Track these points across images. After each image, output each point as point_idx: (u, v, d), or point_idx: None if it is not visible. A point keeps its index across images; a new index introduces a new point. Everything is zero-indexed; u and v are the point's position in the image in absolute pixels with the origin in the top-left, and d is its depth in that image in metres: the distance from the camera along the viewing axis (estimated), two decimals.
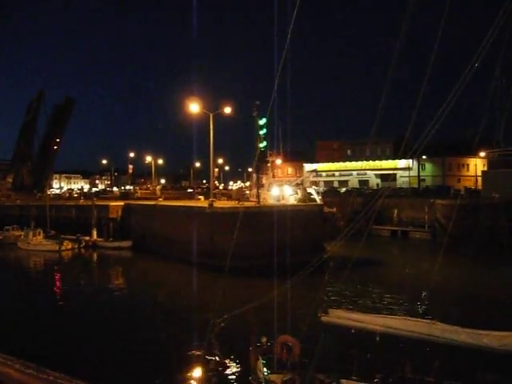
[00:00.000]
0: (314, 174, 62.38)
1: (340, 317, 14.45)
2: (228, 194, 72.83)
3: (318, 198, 52.26)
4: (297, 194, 51.48)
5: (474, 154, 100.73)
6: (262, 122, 51.90)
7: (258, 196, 50.41)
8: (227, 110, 54.53)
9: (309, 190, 53.99)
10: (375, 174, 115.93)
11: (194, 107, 53.64)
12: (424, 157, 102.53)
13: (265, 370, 15.22)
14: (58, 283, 43.94)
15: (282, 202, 49.29)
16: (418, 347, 14.21)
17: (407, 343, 13.35)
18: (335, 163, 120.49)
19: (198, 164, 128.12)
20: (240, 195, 55.22)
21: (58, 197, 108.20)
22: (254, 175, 53.24)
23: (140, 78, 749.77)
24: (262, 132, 52.19)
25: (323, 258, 17.54)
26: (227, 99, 56.78)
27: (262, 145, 52.73)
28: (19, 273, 51.14)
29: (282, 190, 52.34)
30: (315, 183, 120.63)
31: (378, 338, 14.08)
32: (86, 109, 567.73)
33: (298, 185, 54.91)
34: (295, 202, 49.39)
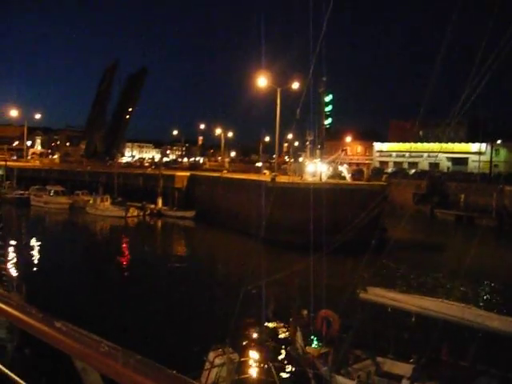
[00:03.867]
0: (345, 153, 63.18)
1: (378, 295, 14.53)
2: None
3: (348, 176, 53.03)
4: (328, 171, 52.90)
5: None
6: (328, 98, 51.55)
7: (319, 173, 50.68)
8: (295, 85, 54.39)
9: (340, 168, 54.29)
10: (446, 157, 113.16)
11: (262, 81, 53.77)
12: (499, 141, 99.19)
13: (303, 341, 15.44)
14: (121, 249, 45.13)
15: (315, 178, 50.26)
16: (452, 330, 14.12)
17: (442, 325, 13.27)
18: (405, 144, 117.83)
19: (267, 138, 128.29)
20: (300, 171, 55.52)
21: (129, 165, 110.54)
22: (318, 152, 53.02)
23: (212, 50, 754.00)
24: (327, 109, 51.85)
25: (339, 240, 17.53)
26: (297, 75, 56.38)
27: (327, 121, 52.44)
28: (86, 237, 52.86)
29: (316, 166, 53.02)
30: (385, 163, 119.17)
31: (413, 319, 14.12)
32: (158, 79, 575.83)
33: (330, 163, 55.26)
34: (326, 178, 50.37)
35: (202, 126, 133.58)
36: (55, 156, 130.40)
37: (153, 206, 64.42)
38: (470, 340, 13.62)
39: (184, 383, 1.67)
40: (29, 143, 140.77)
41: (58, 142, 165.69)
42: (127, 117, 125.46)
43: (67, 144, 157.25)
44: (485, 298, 29.21)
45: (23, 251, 38.42)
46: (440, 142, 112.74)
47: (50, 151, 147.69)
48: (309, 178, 50.24)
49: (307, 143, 55.76)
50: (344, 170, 54.30)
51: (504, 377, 12.58)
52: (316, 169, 52.24)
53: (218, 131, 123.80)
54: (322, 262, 28.48)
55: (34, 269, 34.04)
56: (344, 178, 52.64)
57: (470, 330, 12.92)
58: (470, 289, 30.09)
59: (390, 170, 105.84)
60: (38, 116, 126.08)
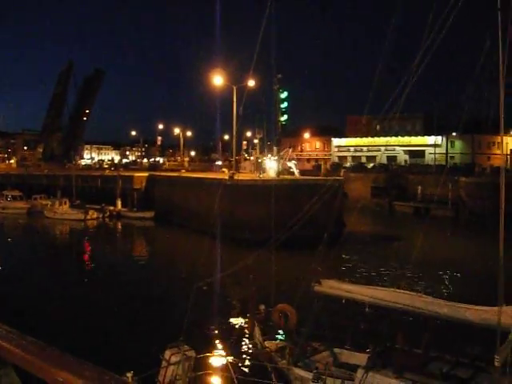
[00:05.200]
0: (292, 149, 65.02)
1: (332, 287, 14.73)
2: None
3: (296, 172, 54.39)
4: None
5: (505, 132, 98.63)
6: (284, 95, 51.84)
7: (280, 170, 51.30)
8: (251, 82, 54.48)
9: (288, 163, 55.42)
10: (404, 150, 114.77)
11: (217, 80, 53.78)
12: (454, 134, 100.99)
13: (261, 336, 15.59)
14: (81, 251, 44.78)
15: (264, 174, 51.82)
16: (405, 318, 14.44)
17: (395, 314, 13.57)
18: (363, 138, 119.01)
19: (226, 137, 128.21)
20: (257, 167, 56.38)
21: (88, 167, 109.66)
22: (275, 148, 53.52)
23: (167, 50, 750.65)
24: (283, 105, 52.17)
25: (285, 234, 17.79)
26: (253, 72, 56.50)
27: (283, 118, 52.73)
28: (45, 240, 52.27)
29: (266, 163, 54.75)
30: (344, 158, 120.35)
31: (367, 309, 14.35)
32: (114, 81, 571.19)
33: (279, 159, 56.71)
34: (274, 175, 51.49)
35: (161, 126, 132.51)
36: (12, 161, 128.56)
37: (112, 207, 64.01)
38: (423, 327, 13.93)
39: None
40: None
41: (15, 147, 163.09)
42: (84, 119, 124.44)
43: (24, 148, 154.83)
44: (438, 286, 29.75)
45: None
46: (396, 135, 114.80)
47: (6, 156, 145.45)
48: (269, 175, 50.85)
49: (256, 141, 56.49)
50: (292, 165, 55.44)
51: (456, 361, 12.91)
52: (268, 165, 53.61)
53: (177, 131, 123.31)
54: (280, 257, 28.76)
55: None
56: (293, 173, 53.66)
57: (422, 318, 13.21)
58: (425, 277, 30.66)
59: (348, 164, 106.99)
60: None
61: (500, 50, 8.25)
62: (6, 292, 28.35)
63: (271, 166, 53.06)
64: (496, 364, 8.91)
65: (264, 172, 51.73)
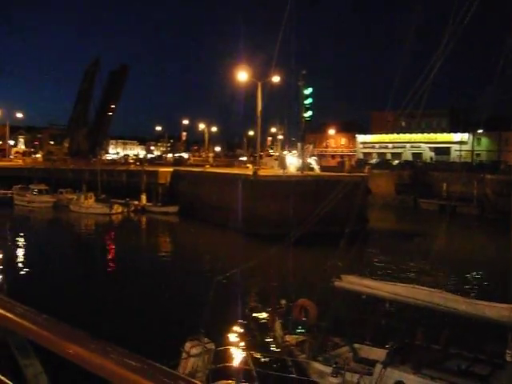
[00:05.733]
0: (313, 145, 65.28)
1: (352, 282, 14.80)
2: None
3: (317, 168, 54.90)
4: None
5: None
6: (308, 91, 51.83)
7: (303, 167, 51.44)
8: (276, 78, 54.59)
9: (309, 160, 55.55)
10: (429, 147, 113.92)
11: (242, 75, 53.94)
12: (480, 131, 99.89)
13: (282, 330, 15.71)
14: (106, 245, 45.35)
15: (285, 170, 51.44)
16: (425, 315, 14.47)
17: (415, 310, 13.61)
18: (388, 135, 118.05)
19: (251, 132, 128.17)
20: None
21: (114, 162, 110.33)
22: (299, 144, 53.65)
23: (195, 45, 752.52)
24: (307, 102, 52.16)
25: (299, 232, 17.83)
26: (277, 67, 56.68)
27: (307, 114, 52.72)
28: (70, 234, 52.94)
29: (286, 159, 55.11)
30: (369, 155, 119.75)
31: (387, 305, 14.42)
32: (141, 76, 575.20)
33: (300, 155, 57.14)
34: (294, 170, 52.10)
35: (186, 122, 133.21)
36: (38, 155, 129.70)
37: (137, 202, 64.49)
38: (443, 324, 13.95)
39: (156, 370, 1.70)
40: (12, 142, 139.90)
41: (42, 141, 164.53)
42: (110, 114, 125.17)
43: (51, 142, 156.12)
44: (460, 283, 29.65)
45: (6, 250, 38.52)
46: (422, 132, 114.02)
47: (33, 150, 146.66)
48: (290, 170, 51.05)
49: (280, 137, 56.72)
50: (313, 161, 55.71)
51: (474, 358, 12.91)
52: (285, 162, 54.01)
53: (202, 126, 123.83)
54: (302, 253, 28.80)
55: (18, 268, 34.04)
56: (313, 169, 53.86)
57: (441, 314, 13.24)
58: (447, 274, 30.57)
59: (373, 161, 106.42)
60: (19, 115, 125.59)
61: None
62: (32, 284, 28.88)
63: (292, 161, 53.23)
64: (508, 359, 8.95)
65: (285, 168, 51.90)
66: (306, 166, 52.99)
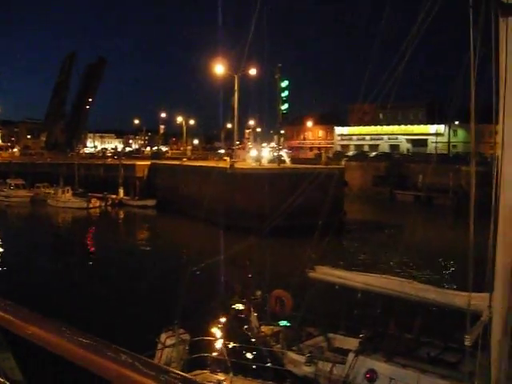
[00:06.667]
0: (284, 138, 66.60)
1: (325, 273, 15.02)
2: None
3: (287, 160, 55.48)
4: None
5: None
6: (284, 84, 51.99)
7: (279, 158, 51.88)
8: (252, 71, 54.71)
9: (280, 152, 56.00)
10: (406, 139, 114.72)
11: (218, 68, 53.92)
12: (456, 123, 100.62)
13: (258, 321, 15.88)
14: (83, 239, 45.25)
15: (257, 162, 52.94)
16: (398, 304, 14.72)
17: (387, 300, 13.87)
18: (366, 127, 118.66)
19: (229, 125, 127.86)
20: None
21: (92, 156, 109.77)
22: (276, 137, 54.05)
23: (169, 38, 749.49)
24: (283, 94, 52.33)
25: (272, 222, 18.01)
26: (253, 61, 56.76)
27: (284, 107, 52.91)
28: (48, 228, 52.68)
29: (259, 151, 56.46)
30: (347, 147, 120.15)
31: (359, 295, 14.66)
32: (117, 69, 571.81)
33: (272, 148, 57.98)
34: (266, 163, 53.17)
35: (163, 115, 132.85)
36: (15, 149, 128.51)
37: (114, 196, 64.50)
38: (415, 313, 14.22)
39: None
40: None
41: (18, 135, 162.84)
42: (87, 107, 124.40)
43: (27, 137, 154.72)
44: (434, 273, 30.07)
45: None
46: (399, 124, 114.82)
47: (9, 144, 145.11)
48: (263, 163, 51.75)
49: (247, 130, 57.23)
50: (284, 154, 56.71)
51: (444, 346, 13.20)
52: (258, 154, 55.27)
53: (180, 119, 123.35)
54: (278, 244, 29.01)
55: None
56: (284, 161, 54.28)
57: (413, 304, 13.49)
58: (421, 264, 31.01)
59: (350, 153, 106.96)
60: None
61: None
62: (9, 278, 28.83)
63: (263, 154, 54.02)
64: (466, 343, 9.29)
65: (258, 161, 52.58)
66: (276, 159, 53.67)
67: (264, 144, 57.39)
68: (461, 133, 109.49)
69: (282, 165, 51.14)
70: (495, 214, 8.95)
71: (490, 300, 9.46)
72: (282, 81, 51.81)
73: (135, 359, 1.69)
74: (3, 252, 37.58)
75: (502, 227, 8.93)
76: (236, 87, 52.68)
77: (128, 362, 1.68)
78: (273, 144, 56.77)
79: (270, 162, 52.80)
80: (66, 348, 1.85)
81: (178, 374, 1.62)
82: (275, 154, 55.21)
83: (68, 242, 45.42)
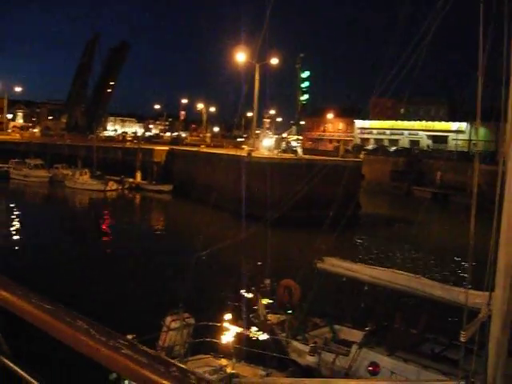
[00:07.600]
0: (295, 129, 66.49)
1: (333, 265, 15.04)
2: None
3: (299, 151, 54.73)
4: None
5: None
6: (305, 75, 51.88)
7: (291, 149, 52.09)
8: (274, 60, 54.60)
9: (293, 143, 55.87)
10: (427, 135, 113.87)
11: (240, 57, 53.89)
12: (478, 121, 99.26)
13: (265, 309, 15.97)
14: (99, 221, 45.57)
15: (270, 152, 52.95)
16: (405, 299, 14.73)
17: (393, 294, 13.87)
18: (386, 121, 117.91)
19: (250, 114, 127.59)
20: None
21: (111, 139, 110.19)
22: (294, 127, 53.95)
23: (193, 24, 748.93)
24: (304, 85, 52.23)
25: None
26: (278, 50, 56.74)
27: (304, 98, 52.82)
28: (65, 209, 53.21)
29: (272, 141, 56.00)
30: (367, 140, 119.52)
31: (366, 288, 14.68)
32: (140, 54, 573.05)
33: (283, 138, 57.28)
34: (279, 153, 52.92)
35: (185, 101, 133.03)
36: (36, 129, 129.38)
37: (131, 179, 64.82)
38: (421, 308, 14.23)
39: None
40: (10, 116, 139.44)
41: (40, 116, 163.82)
42: (109, 91, 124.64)
43: (49, 118, 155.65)
44: (444, 269, 29.98)
45: (1, 225, 38.77)
46: (420, 119, 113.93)
47: (31, 125, 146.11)
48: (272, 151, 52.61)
49: (264, 119, 57.11)
50: (297, 145, 56.24)
51: (448, 343, 13.19)
52: (271, 144, 55.17)
53: (201, 106, 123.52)
54: (290, 235, 29.02)
55: (11, 241, 34.26)
56: (296, 152, 54.07)
57: (420, 299, 13.49)
58: (433, 261, 30.92)
59: (370, 146, 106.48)
60: (18, 89, 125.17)
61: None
62: (26, 258, 29.12)
63: (267, 143, 54.73)
64: (462, 339, 9.29)
65: (279, 149, 52.52)
66: (288, 149, 53.48)
67: (284, 134, 57.04)
68: (482, 131, 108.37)
69: (317, 157, 51.17)
70: (498, 211, 8.92)
71: (490, 298, 9.44)
72: (303, 71, 51.71)
73: (90, 325, 1.73)
74: (20, 231, 37.93)
75: (506, 225, 8.89)
76: (257, 76, 52.56)
77: (84, 327, 1.72)
78: (270, 133, 56.81)
79: (282, 152, 52.81)
80: (32, 313, 1.89)
81: (127, 340, 1.66)
82: (284, 144, 55.29)
83: (83, 223, 45.91)
